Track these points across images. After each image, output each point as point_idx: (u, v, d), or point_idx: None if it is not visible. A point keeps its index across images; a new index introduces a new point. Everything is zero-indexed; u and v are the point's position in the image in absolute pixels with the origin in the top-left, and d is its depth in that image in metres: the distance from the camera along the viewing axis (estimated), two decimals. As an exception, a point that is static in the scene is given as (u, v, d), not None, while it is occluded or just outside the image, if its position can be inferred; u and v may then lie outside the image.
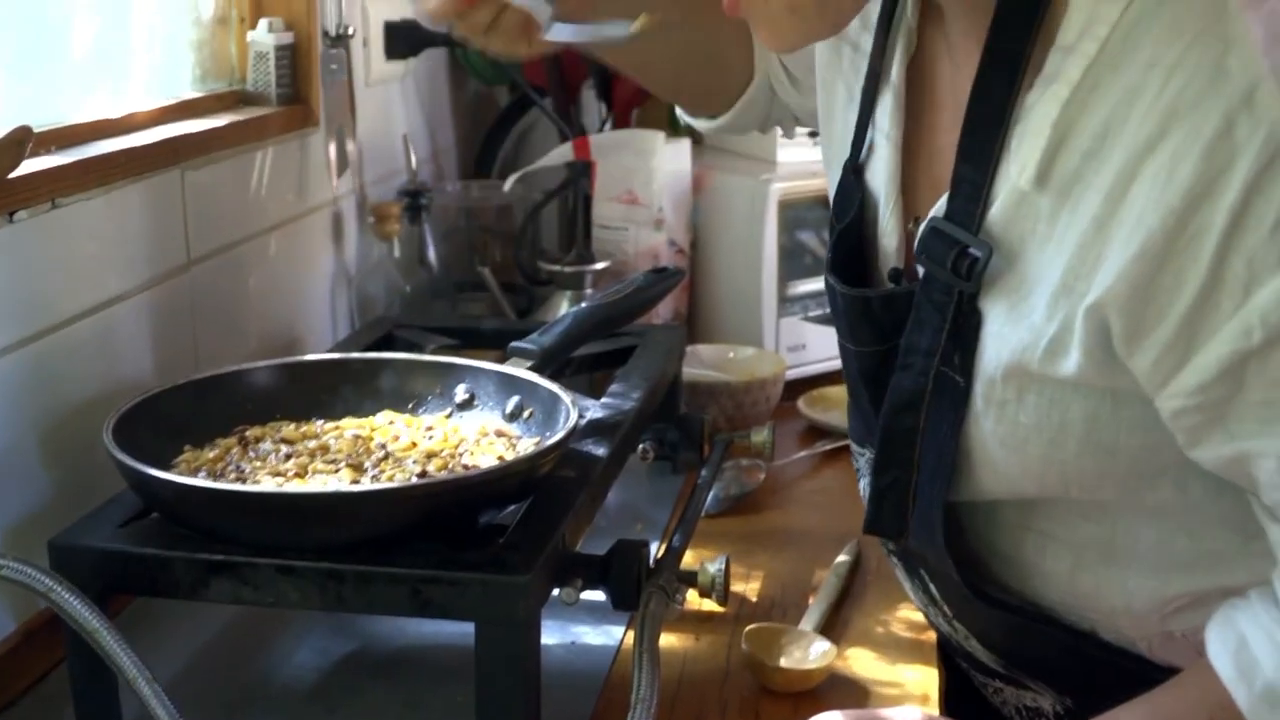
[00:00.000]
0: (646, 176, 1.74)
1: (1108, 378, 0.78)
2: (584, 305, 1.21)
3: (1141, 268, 0.72)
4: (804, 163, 1.81)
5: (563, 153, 1.78)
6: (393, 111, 1.86)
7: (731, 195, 1.77)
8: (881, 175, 0.93)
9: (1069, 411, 0.81)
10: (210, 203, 1.33)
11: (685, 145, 1.78)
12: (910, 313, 0.87)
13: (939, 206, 0.84)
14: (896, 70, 0.93)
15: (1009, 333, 0.81)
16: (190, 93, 1.45)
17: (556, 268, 1.68)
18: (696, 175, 1.80)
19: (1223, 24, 0.70)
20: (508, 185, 1.77)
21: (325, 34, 1.56)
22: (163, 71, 1.41)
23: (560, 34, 0.96)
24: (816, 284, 1.75)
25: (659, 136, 1.75)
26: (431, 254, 1.72)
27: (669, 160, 1.75)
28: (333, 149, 1.57)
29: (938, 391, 0.86)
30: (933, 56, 0.93)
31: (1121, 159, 0.72)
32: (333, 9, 1.57)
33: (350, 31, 1.59)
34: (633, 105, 2.01)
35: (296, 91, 1.55)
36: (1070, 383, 0.79)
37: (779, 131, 1.83)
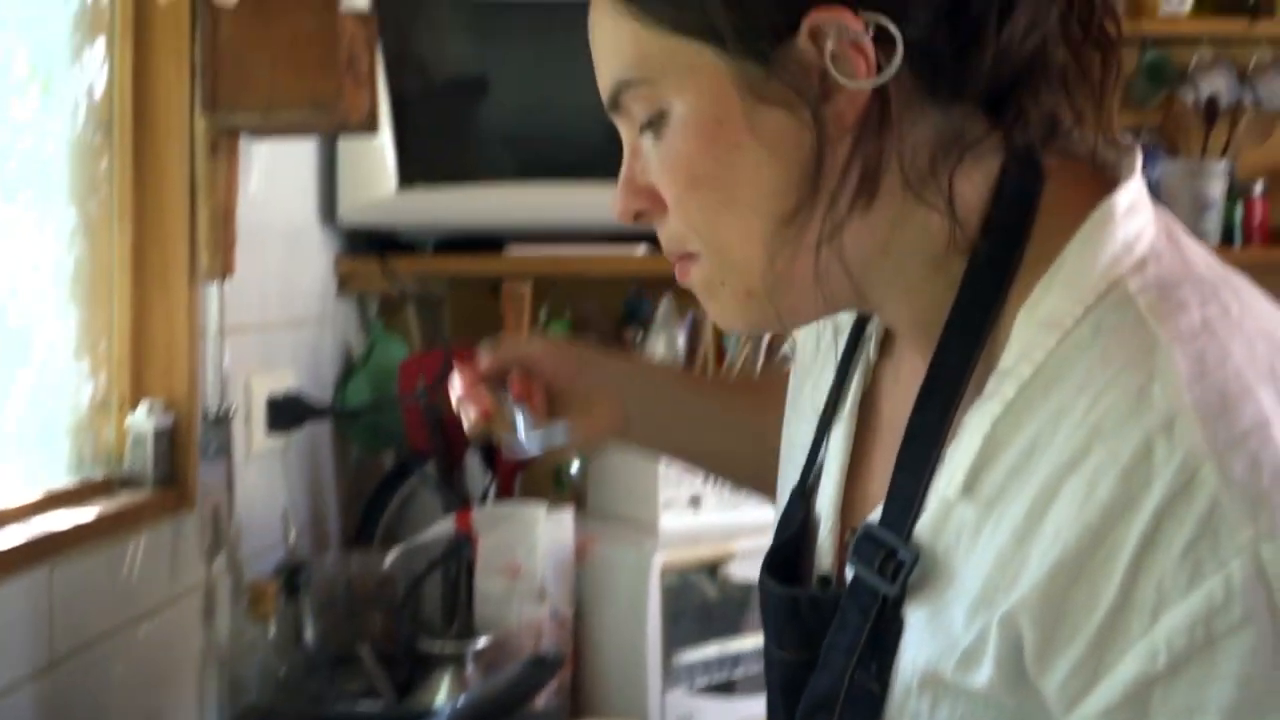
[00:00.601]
0: (529, 549, 1.74)
1: (1017, 695, 0.76)
2: (460, 703, 1.19)
3: (1057, 583, 0.72)
4: (688, 530, 1.84)
5: (445, 525, 1.78)
6: (273, 484, 1.86)
7: (614, 565, 1.78)
8: (826, 496, 0.94)
9: None
10: (78, 598, 1.30)
11: (568, 516, 1.80)
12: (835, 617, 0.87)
13: (875, 514, 0.85)
14: (850, 404, 0.95)
15: (928, 640, 0.80)
16: (65, 481, 1.44)
17: (437, 645, 1.66)
18: (579, 545, 1.80)
19: (1151, 356, 0.73)
20: (388, 560, 1.76)
21: (206, 415, 1.57)
22: (38, 460, 1.41)
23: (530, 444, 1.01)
24: (705, 652, 1.75)
25: (541, 509, 1.76)
26: (309, 632, 1.69)
27: (551, 532, 1.76)
28: (208, 530, 1.56)
29: (850, 699, 0.84)
30: (881, 384, 0.96)
31: (1044, 475, 0.73)
32: (214, 389, 1.58)
33: (232, 411, 1.60)
34: (516, 470, 2.03)
35: (174, 473, 1.54)
36: (982, 698, 0.78)
37: (661, 499, 1.86)
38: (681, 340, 1.91)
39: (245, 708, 1.49)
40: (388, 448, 2.14)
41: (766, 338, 1.99)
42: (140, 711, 1.44)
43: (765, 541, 1.86)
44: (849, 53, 0.77)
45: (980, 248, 0.81)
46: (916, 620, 0.81)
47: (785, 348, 1.92)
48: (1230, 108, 2.42)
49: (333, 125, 1.55)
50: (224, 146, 1.53)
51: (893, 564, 0.81)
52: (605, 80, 0.85)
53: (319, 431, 2.08)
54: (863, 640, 0.83)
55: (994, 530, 0.76)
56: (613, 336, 1.99)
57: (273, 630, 1.63)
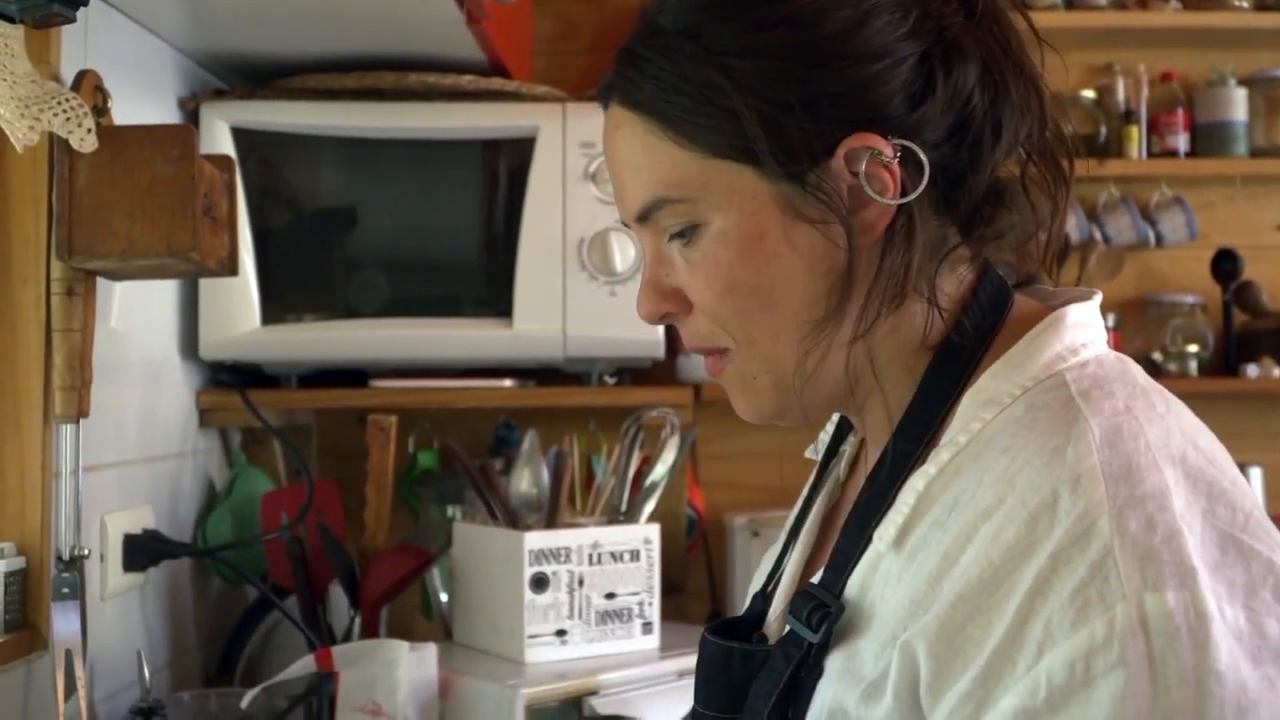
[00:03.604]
0: (390, 686, 1.77)
1: None
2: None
3: (955, 616, 0.79)
4: (552, 663, 1.88)
5: (306, 663, 1.80)
6: (131, 623, 1.87)
7: (478, 700, 1.81)
8: (782, 588, 1.03)
9: None
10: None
11: (431, 652, 1.83)
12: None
13: (816, 577, 0.94)
14: (815, 514, 1.06)
15: (838, 680, 0.87)
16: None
17: (295, 785, 1.68)
18: (443, 680, 1.83)
19: (1072, 425, 0.83)
20: (247, 699, 1.77)
21: (59, 557, 1.59)
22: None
23: None
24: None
25: (404, 646, 1.79)
26: (161, 777, 1.70)
27: (414, 668, 1.79)
28: (61, 672, 1.57)
29: None
30: (845, 496, 1.06)
31: (961, 524, 0.83)
32: (68, 530, 1.60)
33: (85, 553, 1.61)
34: (381, 604, 2.06)
35: (25, 616, 1.56)
36: None
37: (526, 633, 1.90)
38: (545, 474, 1.96)
39: None
40: (250, 583, 2.16)
41: (635, 467, 2.05)
42: None
43: (632, 675, 1.91)
44: (880, 173, 0.90)
45: (947, 345, 0.93)
46: (833, 665, 0.89)
47: (652, 477, 1.99)
48: (1080, 245, 2.56)
49: (190, 271, 1.60)
50: (80, 290, 1.57)
51: (819, 614, 0.89)
52: (637, 196, 0.94)
53: (180, 567, 2.09)
54: (782, 685, 0.90)
55: (912, 576, 0.84)
56: (479, 469, 2.04)
57: (124, 775, 1.64)
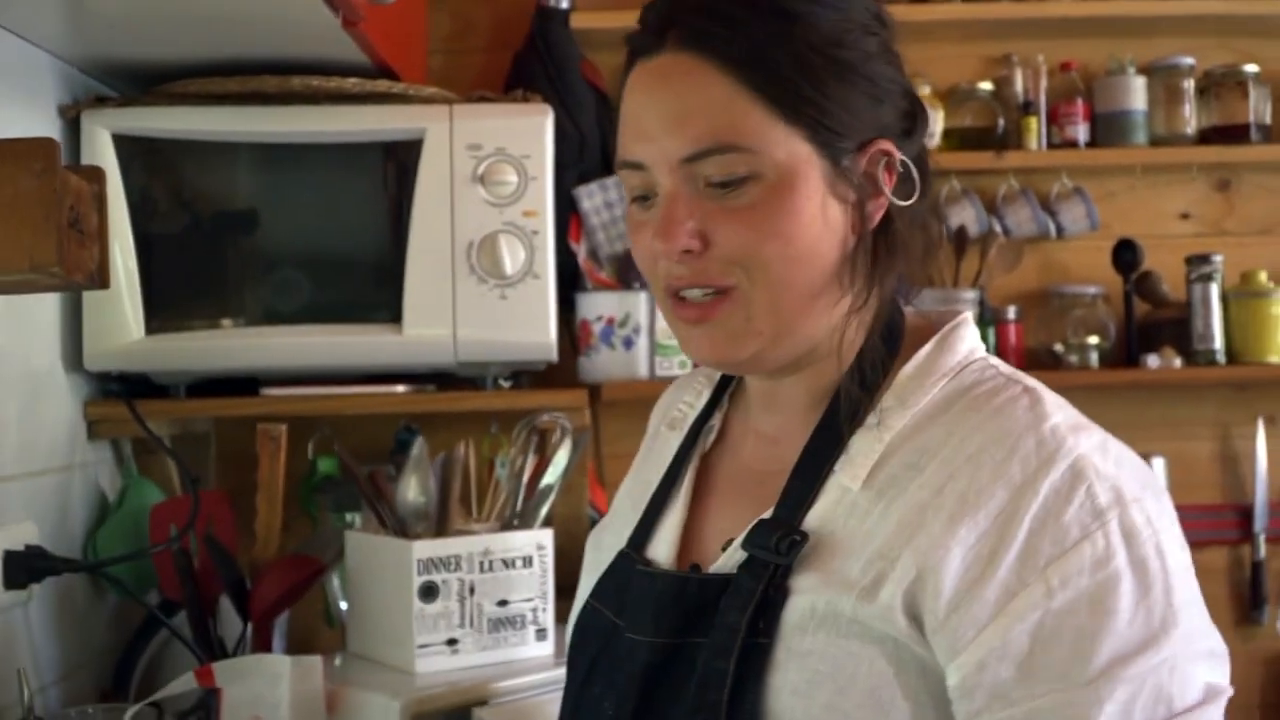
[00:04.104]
0: (274, 702, 1.76)
1: (898, 628, 0.98)
2: None
3: (960, 534, 0.96)
4: (444, 672, 1.88)
5: (188, 679, 1.79)
6: (13, 640, 1.85)
7: (364, 712, 1.81)
8: (665, 542, 1.17)
9: (859, 666, 0.99)
10: None
11: (317, 664, 1.82)
12: (715, 604, 1.06)
13: (766, 513, 1.08)
14: (689, 475, 1.20)
15: (822, 590, 1.01)
16: None
17: (179, 804, 1.67)
18: (330, 693, 1.83)
19: (1024, 390, 1.04)
20: (127, 717, 1.76)
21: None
22: None
23: None
24: (455, 801, 1.78)
25: (286, 661, 1.79)
26: (41, 799, 1.68)
27: (299, 682, 1.78)
28: (-72, 700, 1.55)
29: (744, 651, 1.02)
30: (713, 459, 1.21)
31: (941, 465, 1.00)
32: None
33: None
34: (272, 615, 2.05)
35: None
36: (870, 636, 0.99)
37: (416, 643, 1.90)
38: (433, 481, 1.96)
39: None
40: (134, 598, 2.13)
41: (530, 471, 2.05)
42: None
43: (524, 682, 1.90)
44: (885, 173, 1.08)
45: (887, 331, 1.11)
46: (806, 583, 1.02)
47: (545, 481, 1.99)
48: (980, 237, 2.58)
49: (56, 285, 1.57)
50: (-56, 306, 1.55)
51: (788, 541, 1.03)
52: (698, 138, 1.04)
53: (71, 582, 2.07)
54: (755, 601, 1.03)
55: (888, 507, 1.01)
56: (367, 477, 2.03)
57: (1, 799, 1.63)
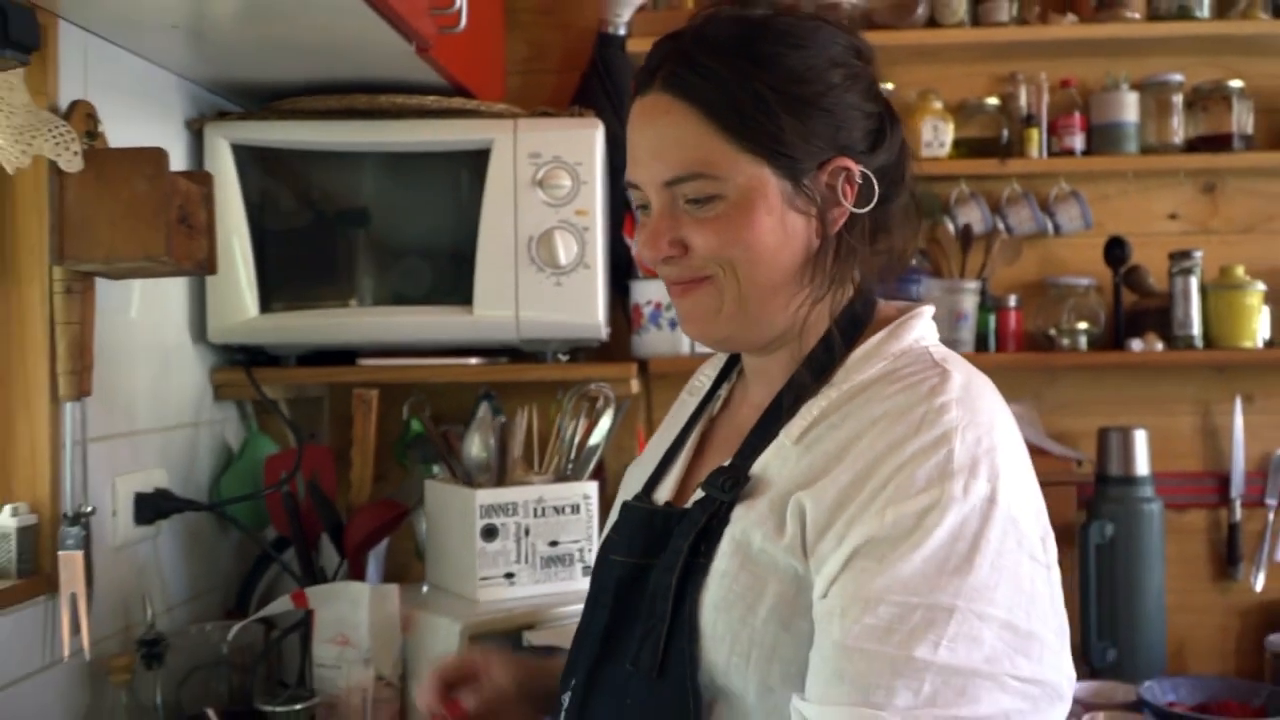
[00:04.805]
0: (356, 622, 1.83)
1: (798, 559, 1.02)
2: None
3: (847, 483, 1.01)
4: (502, 601, 1.93)
5: (285, 601, 1.87)
6: (142, 568, 1.93)
7: (432, 633, 1.87)
8: (668, 482, 1.23)
9: (766, 586, 1.04)
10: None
11: (393, 591, 1.89)
12: (665, 536, 1.12)
13: (726, 461, 1.13)
14: (697, 432, 1.26)
15: (743, 523, 1.06)
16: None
17: (275, 706, 1.74)
18: (404, 616, 1.89)
19: (937, 373, 1.07)
20: (232, 633, 1.84)
21: (66, 514, 1.65)
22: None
23: None
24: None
25: (365, 588, 1.86)
26: (159, 698, 1.77)
27: (378, 605, 1.85)
28: (65, 612, 1.63)
29: (685, 568, 1.08)
30: (716, 422, 1.27)
31: (854, 426, 1.05)
32: (73, 491, 1.67)
33: (90, 510, 1.68)
34: (363, 550, 2.12)
35: (37, 565, 1.63)
36: (774, 564, 1.03)
37: (478, 575, 1.95)
38: (492, 439, 2.01)
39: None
40: (246, 533, 2.21)
41: (581, 433, 2.09)
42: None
43: (569, 611, 1.95)
44: (846, 187, 1.12)
45: (847, 318, 1.15)
46: (737, 514, 1.08)
47: (592, 442, 2.03)
48: (984, 234, 2.57)
49: (168, 271, 1.65)
50: (78, 288, 1.63)
51: (731, 481, 1.10)
52: (675, 167, 1.10)
53: (200, 519, 2.15)
54: (699, 527, 1.09)
55: (806, 457, 1.06)
56: (441, 435, 2.09)
57: (124, 697, 1.71)
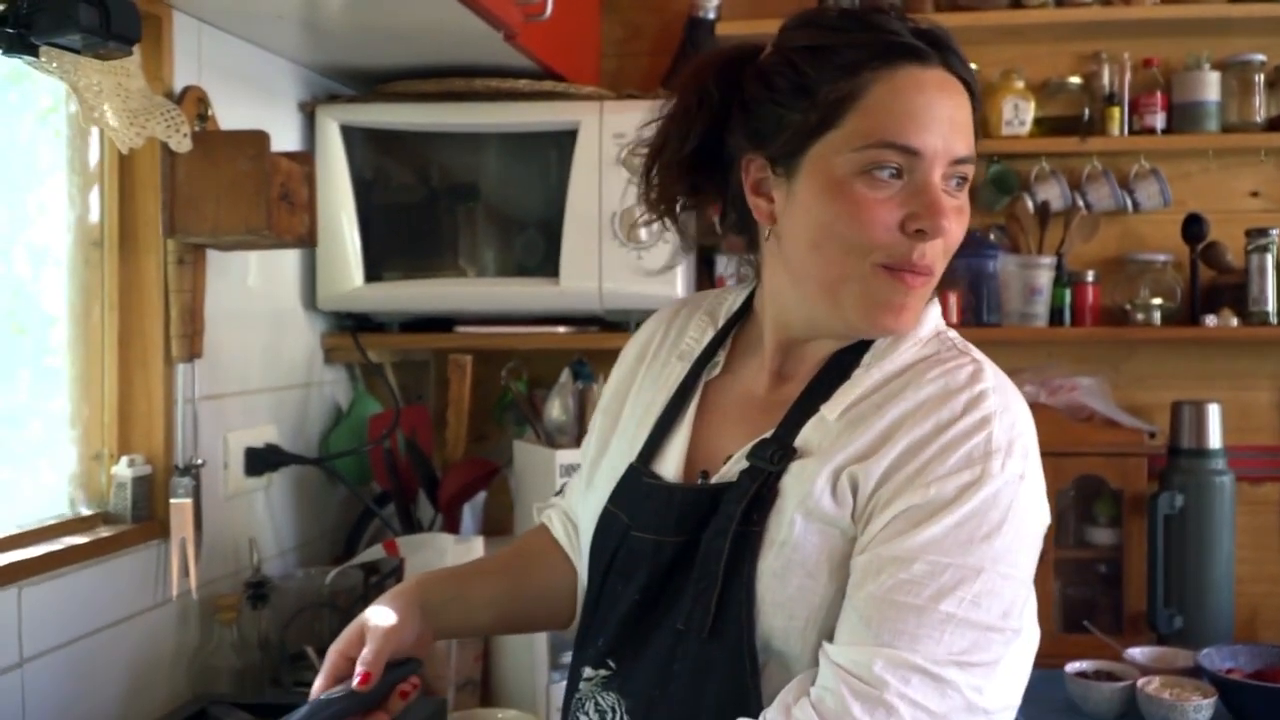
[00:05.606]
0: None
1: (852, 527, 1.04)
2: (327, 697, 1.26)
3: (899, 460, 1.03)
4: (581, 555, 1.95)
5: (377, 550, 1.93)
6: (252, 516, 2.00)
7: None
8: (672, 458, 1.18)
9: (824, 554, 1.05)
10: (72, 603, 1.48)
11: (478, 543, 1.93)
12: (713, 510, 1.09)
13: (769, 432, 1.11)
14: (695, 402, 1.20)
15: (800, 494, 1.06)
16: (66, 515, 1.61)
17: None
18: (489, 567, 1.93)
19: (971, 361, 1.09)
20: (330, 577, 1.90)
21: (178, 466, 1.73)
22: (47, 500, 1.59)
23: None
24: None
25: (449, 539, 1.90)
26: (265, 638, 1.84)
27: (460, 555, 1.89)
28: (175, 556, 1.71)
29: (737, 538, 1.07)
30: (715, 388, 1.21)
31: (901, 408, 1.06)
32: (185, 445, 1.74)
33: (200, 462, 1.75)
34: (456, 504, 2.17)
35: (151, 511, 1.70)
36: (832, 530, 1.04)
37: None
38: (571, 403, 2.04)
39: (211, 696, 1.63)
40: (346, 485, 2.26)
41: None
42: (124, 695, 1.60)
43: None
44: None
45: None
46: (789, 486, 1.07)
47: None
48: (1063, 211, 2.51)
49: (269, 244, 1.70)
50: (190, 259, 1.69)
51: (780, 453, 1.09)
52: (968, 144, 1.08)
53: (309, 472, 2.22)
54: (750, 496, 1.07)
55: (850, 434, 1.06)
56: (526, 399, 2.13)
57: (234, 634, 1.78)
